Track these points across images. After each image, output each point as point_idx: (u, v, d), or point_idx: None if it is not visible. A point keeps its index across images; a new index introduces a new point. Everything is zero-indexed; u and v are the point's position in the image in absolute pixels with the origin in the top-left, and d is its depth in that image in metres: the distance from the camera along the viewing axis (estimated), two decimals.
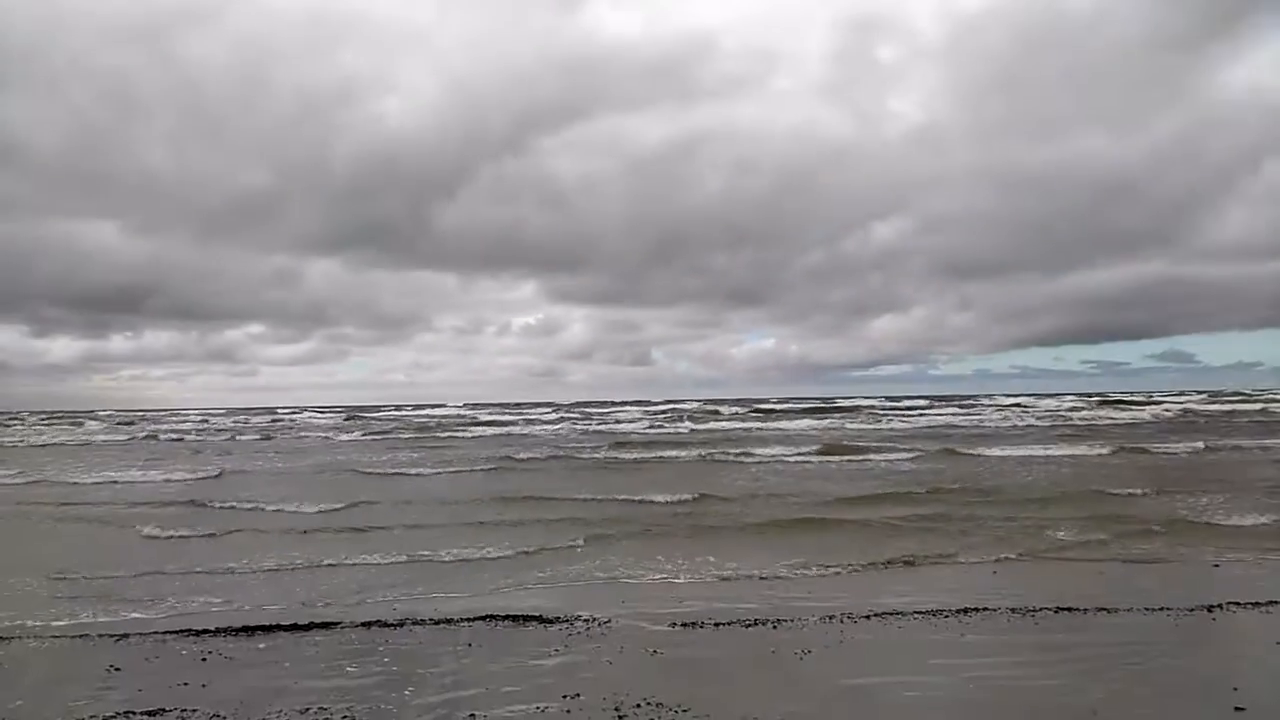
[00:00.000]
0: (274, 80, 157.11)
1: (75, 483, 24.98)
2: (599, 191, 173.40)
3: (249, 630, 8.98)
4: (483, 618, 9.36)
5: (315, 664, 7.93)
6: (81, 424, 73.07)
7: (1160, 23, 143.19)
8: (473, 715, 6.55)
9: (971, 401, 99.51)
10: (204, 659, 8.07)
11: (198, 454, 37.52)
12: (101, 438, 51.93)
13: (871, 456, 30.24)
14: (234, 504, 19.06)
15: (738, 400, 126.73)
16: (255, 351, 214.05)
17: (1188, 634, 8.62)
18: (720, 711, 6.52)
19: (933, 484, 21.37)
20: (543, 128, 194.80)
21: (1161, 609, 9.41)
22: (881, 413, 72.15)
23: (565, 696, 6.91)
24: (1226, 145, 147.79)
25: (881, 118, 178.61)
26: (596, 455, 32.87)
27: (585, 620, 9.23)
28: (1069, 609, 9.43)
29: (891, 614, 9.34)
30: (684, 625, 9.02)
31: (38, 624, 9.45)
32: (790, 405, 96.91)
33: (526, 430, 54.10)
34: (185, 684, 7.36)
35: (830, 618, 9.21)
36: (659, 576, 11.65)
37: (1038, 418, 60.47)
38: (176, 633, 8.94)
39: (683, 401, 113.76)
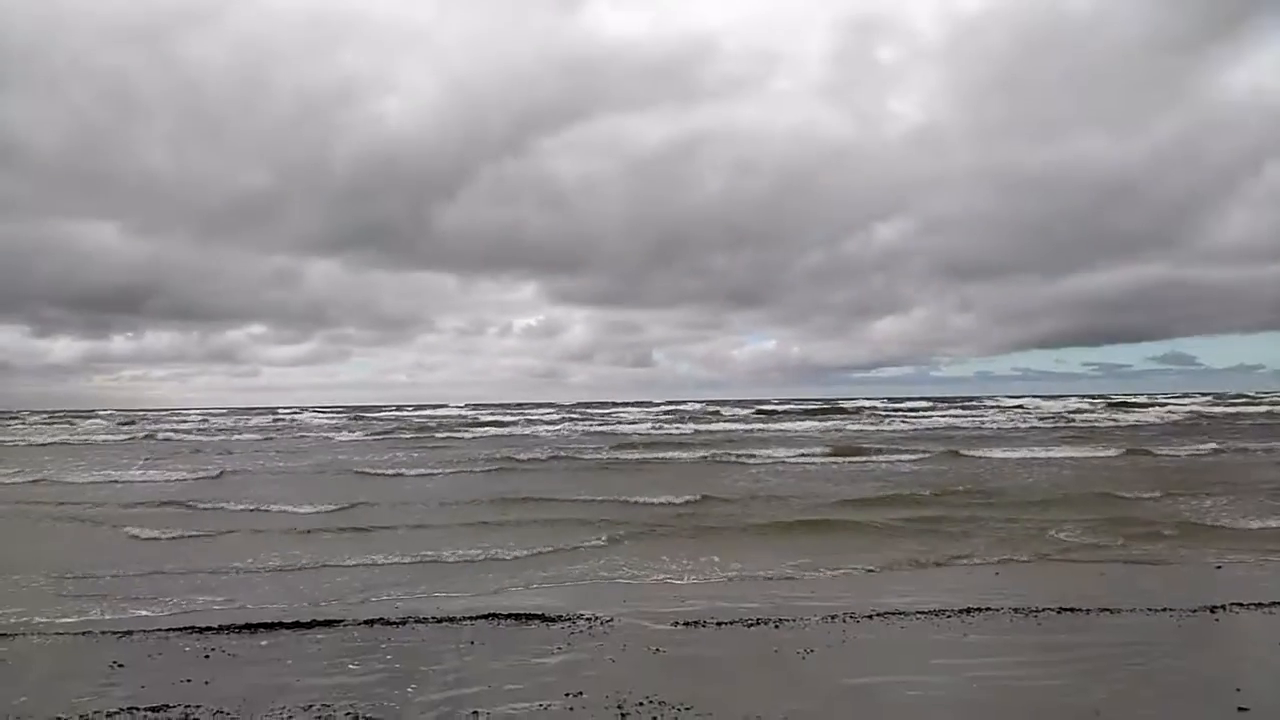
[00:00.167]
0: (274, 81, 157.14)
1: (75, 482, 25.02)
2: (599, 192, 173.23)
3: (252, 628, 8.99)
4: (485, 616, 9.37)
5: (318, 661, 7.94)
6: (81, 423, 73.18)
7: (1161, 24, 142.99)
8: (475, 713, 6.55)
9: (974, 403, 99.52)
10: (207, 656, 8.08)
11: (198, 454, 37.53)
12: (101, 437, 51.98)
13: (874, 458, 30.23)
14: (234, 504, 19.07)
15: (739, 401, 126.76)
16: (256, 352, 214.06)
17: (1191, 635, 8.61)
18: (723, 710, 6.51)
19: (936, 486, 21.37)
20: (543, 128, 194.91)
21: (1164, 610, 9.40)
22: (884, 414, 72.17)
23: (568, 694, 6.91)
24: (1228, 147, 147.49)
25: (882, 119, 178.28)
26: (599, 456, 32.87)
27: (588, 619, 9.23)
28: (1072, 609, 9.42)
29: (894, 614, 9.33)
30: (686, 624, 9.03)
31: (41, 620, 9.47)
32: (792, 407, 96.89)
33: (528, 431, 54.13)
34: (188, 681, 7.36)
35: (833, 617, 9.21)
36: (662, 576, 11.66)
37: (1041, 419, 60.48)
38: (180, 630, 8.95)
39: (684, 402, 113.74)
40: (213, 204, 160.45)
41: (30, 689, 7.26)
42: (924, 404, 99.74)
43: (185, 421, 76.54)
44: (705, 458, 31.30)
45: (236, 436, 51.54)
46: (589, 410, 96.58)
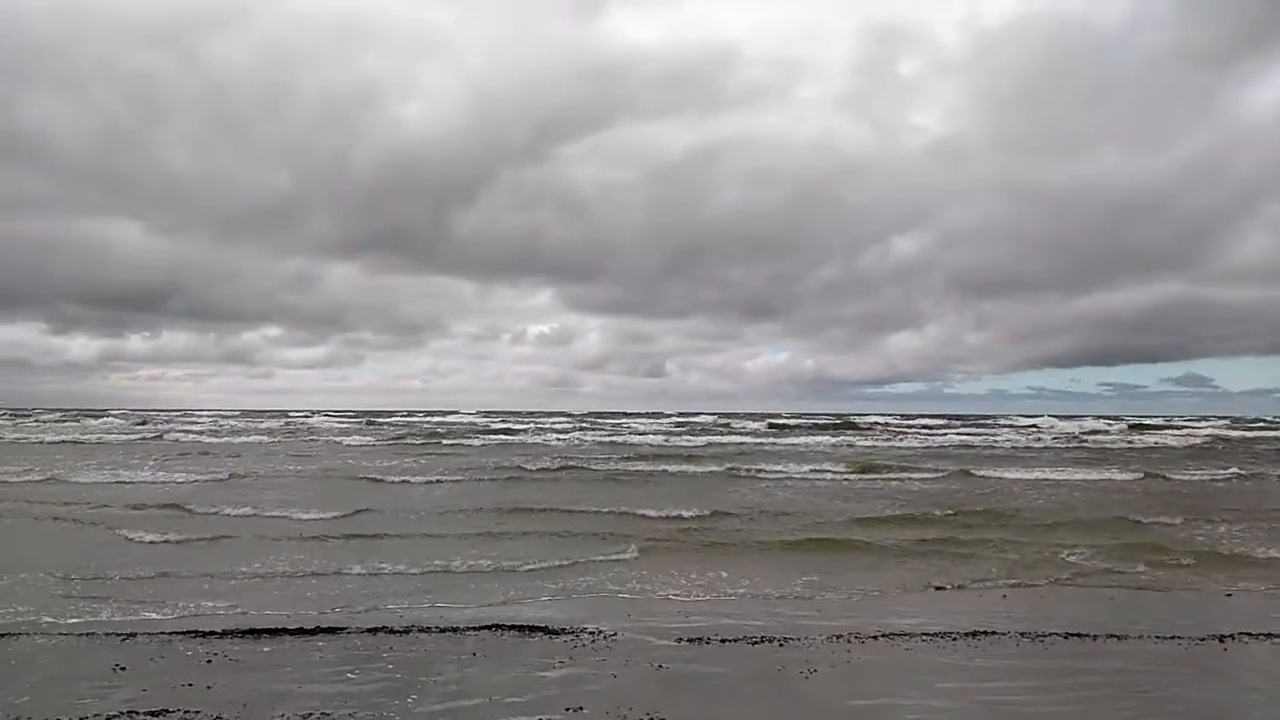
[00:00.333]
0: (297, 84, 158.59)
1: (83, 482, 25.08)
2: (618, 200, 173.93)
3: (255, 633, 8.99)
4: (488, 627, 9.35)
5: (319, 669, 7.93)
6: (94, 422, 73.59)
7: (1185, 40, 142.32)
8: None
9: (990, 421, 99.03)
10: (209, 661, 8.08)
11: (207, 456, 37.67)
12: (113, 437, 52.23)
13: (886, 476, 30.08)
14: (240, 508, 19.03)
15: (751, 414, 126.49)
16: (272, 354, 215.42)
17: (1199, 664, 8.51)
18: None
19: (947, 505, 21.25)
20: (563, 135, 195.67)
21: (1173, 638, 9.30)
22: (896, 431, 71.90)
23: (568, 709, 6.88)
24: (1252, 165, 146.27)
25: (902, 130, 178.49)
26: (608, 467, 32.81)
27: (591, 633, 9.20)
28: (1080, 635, 9.33)
29: (900, 635, 9.27)
30: (690, 640, 8.98)
31: (44, 621, 9.49)
32: (805, 421, 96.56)
33: (539, 439, 54.16)
34: (190, 685, 7.37)
35: (838, 637, 9.15)
36: (667, 591, 11.60)
37: (1055, 439, 60.16)
38: (183, 634, 8.96)
39: (696, 414, 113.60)
40: (234, 206, 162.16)
41: (31, 690, 7.27)
42: (937, 421, 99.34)
43: (197, 423, 76.86)
44: (716, 471, 31.20)
45: (247, 439, 51.70)
46: (600, 420, 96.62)
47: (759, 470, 30.92)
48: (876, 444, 52.35)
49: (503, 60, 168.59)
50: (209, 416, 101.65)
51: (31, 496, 21.23)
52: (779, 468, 31.84)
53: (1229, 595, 11.82)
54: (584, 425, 79.48)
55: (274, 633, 9.03)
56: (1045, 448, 50.65)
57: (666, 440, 54.43)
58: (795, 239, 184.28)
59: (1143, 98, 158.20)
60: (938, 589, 12.02)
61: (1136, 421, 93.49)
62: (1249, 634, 9.45)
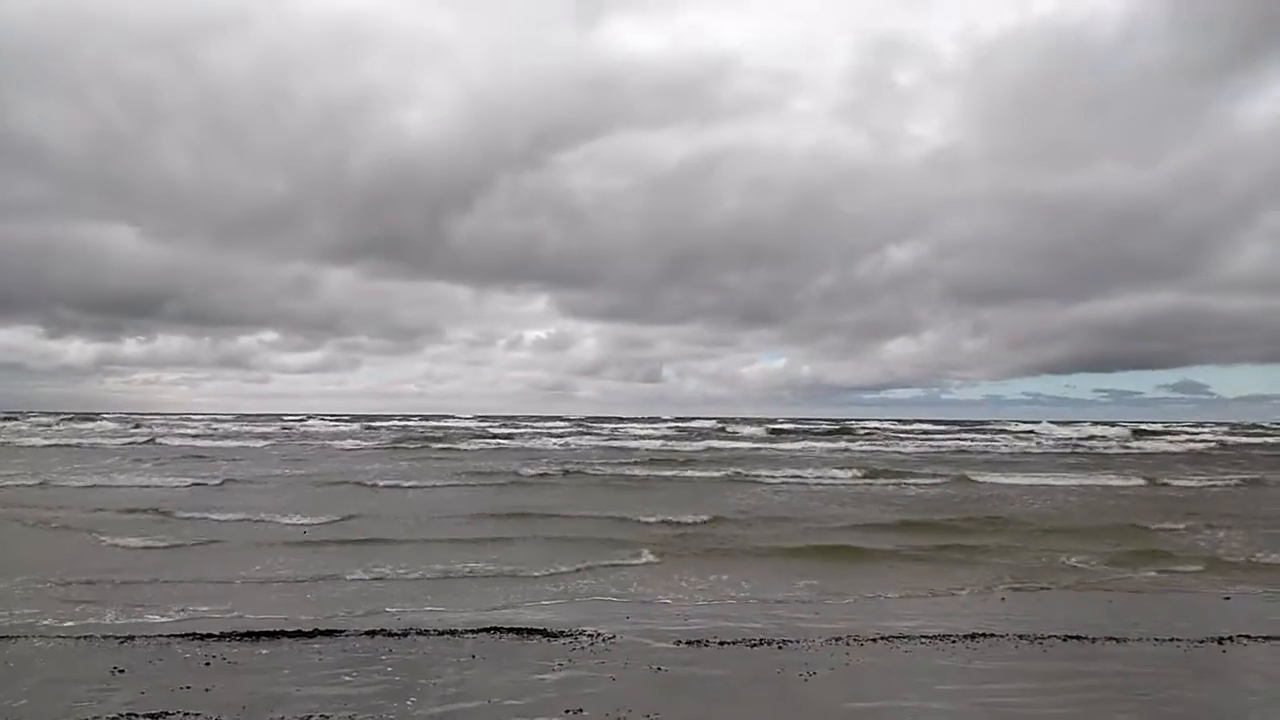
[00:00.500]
0: (295, 90, 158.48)
1: (76, 486, 25.06)
2: (615, 207, 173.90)
3: (253, 636, 8.98)
4: (487, 630, 9.34)
5: (318, 671, 7.92)
6: (88, 426, 73.45)
7: (1181, 53, 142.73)
8: None
9: (991, 426, 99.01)
10: (207, 663, 8.06)
11: (202, 460, 37.61)
12: (108, 441, 52.14)
13: (884, 481, 30.09)
14: (235, 513, 18.98)
15: (748, 419, 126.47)
16: (268, 359, 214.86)
17: (1198, 666, 8.51)
18: None
19: (945, 510, 21.27)
20: (561, 142, 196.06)
21: (1172, 640, 9.31)
22: (894, 436, 71.89)
23: (567, 711, 6.88)
24: (1246, 177, 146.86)
25: (899, 141, 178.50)
26: (608, 472, 32.78)
27: (590, 635, 9.19)
28: (1078, 638, 9.34)
29: (899, 638, 9.26)
30: (689, 643, 8.97)
31: (43, 624, 9.49)
32: (801, 426, 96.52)
33: (536, 444, 54.11)
34: (188, 688, 7.35)
35: (836, 639, 9.15)
36: (666, 595, 11.60)
37: (1054, 444, 60.19)
38: (181, 636, 8.95)
39: (693, 419, 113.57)
40: (231, 211, 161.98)
41: (30, 692, 7.26)
42: (934, 427, 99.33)
43: (193, 427, 76.78)
44: (716, 476, 31.17)
45: (242, 443, 51.58)
46: (597, 425, 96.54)
47: (758, 475, 30.90)
48: (875, 449, 52.34)
49: (501, 68, 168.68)
50: (204, 420, 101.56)
51: (24, 501, 21.17)
52: (778, 473, 31.83)
53: (1227, 598, 11.83)
54: (581, 430, 79.44)
55: (272, 635, 9.02)
56: (1044, 453, 50.68)
57: (665, 445, 54.40)
58: (793, 247, 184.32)
59: (1138, 109, 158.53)
60: (938, 592, 12.02)
61: (1136, 427, 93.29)
62: (1247, 636, 9.46)
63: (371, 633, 9.20)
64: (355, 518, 18.57)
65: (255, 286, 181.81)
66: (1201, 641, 9.26)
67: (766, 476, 30.42)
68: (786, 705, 7.23)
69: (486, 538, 16.01)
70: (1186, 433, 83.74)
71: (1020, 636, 9.36)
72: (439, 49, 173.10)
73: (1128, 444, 61.85)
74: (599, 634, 9.25)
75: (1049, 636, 9.36)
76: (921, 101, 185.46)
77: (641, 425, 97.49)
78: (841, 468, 34.00)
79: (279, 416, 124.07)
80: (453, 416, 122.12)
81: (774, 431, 78.76)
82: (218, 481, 26.94)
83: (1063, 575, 13.25)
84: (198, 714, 6.75)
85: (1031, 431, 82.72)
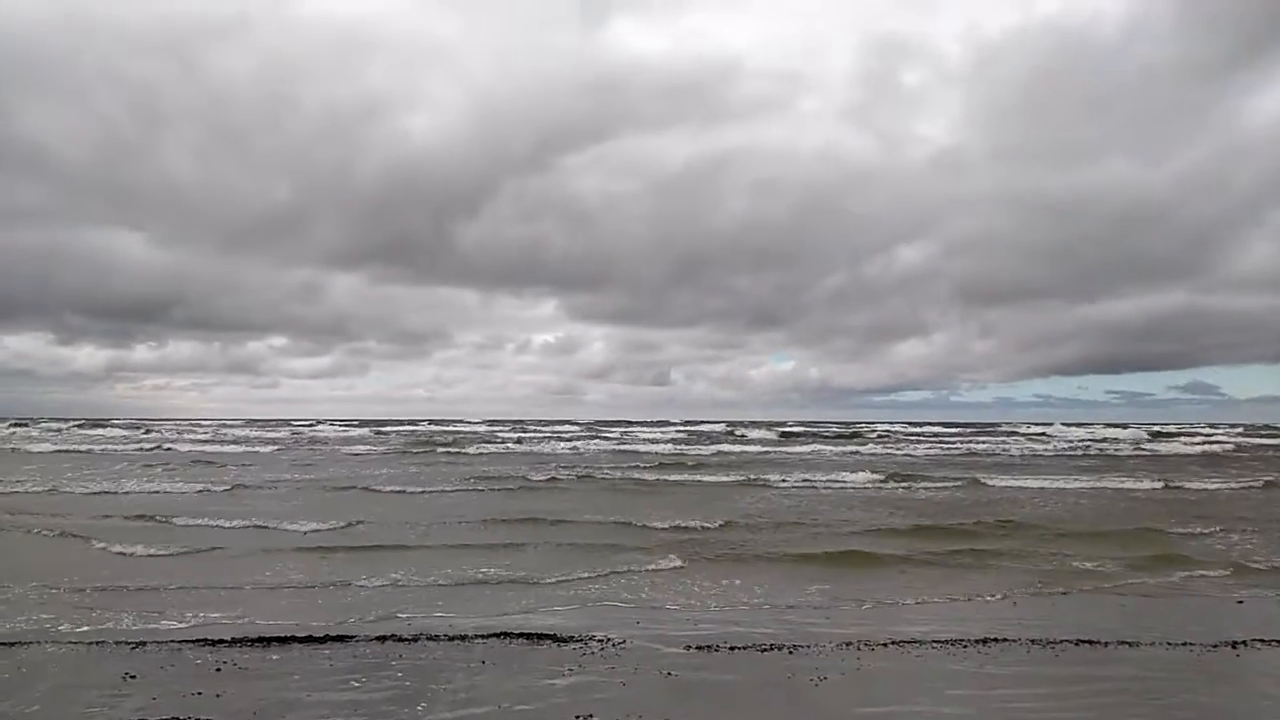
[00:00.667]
0: (300, 95, 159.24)
1: (84, 493, 25.11)
2: (622, 211, 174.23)
3: (264, 641, 9.00)
4: (497, 635, 9.34)
5: (329, 677, 7.93)
6: (98, 432, 73.79)
7: (1187, 51, 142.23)
8: None
9: (996, 429, 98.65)
10: (218, 669, 8.08)
11: (211, 466, 37.73)
12: (117, 447, 52.33)
13: (896, 485, 30.00)
14: (244, 519, 18.98)
15: (757, 423, 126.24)
16: (277, 364, 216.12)
17: (1212, 670, 8.46)
18: None
19: (957, 514, 21.20)
20: (567, 146, 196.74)
21: (1185, 644, 9.25)
22: (905, 439, 71.70)
23: (578, 717, 6.87)
24: (1253, 175, 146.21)
25: (906, 141, 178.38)
26: (618, 476, 32.77)
27: (600, 640, 9.18)
28: (1090, 642, 9.29)
29: (910, 643, 9.23)
30: (699, 648, 8.96)
31: (54, 630, 9.52)
32: (811, 429, 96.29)
33: (545, 449, 54.12)
34: (199, 693, 7.37)
35: (848, 644, 9.12)
36: (676, 599, 11.58)
37: (1066, 445, 59.94)
38: (192, 642, 8.97)
39: (702, 422, 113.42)
40: (237, 216, 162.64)
41: (42, 698, 7.29)
42: (944, 429, 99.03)
43: (202, 432, 77.07)
44: (726, 481, 31.12)
45: (251, 449, 51.69)
46: (607, 428, 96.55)
47: (769, 479, 30.85)
48: (885, 452, 52.22)
49: (506, 71, 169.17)
50: (214, 426, 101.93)
51: (34, 508, 21.21)
52: (789, 477, 31.76)
53: (1240, 602, 11.75)
54: (590, 434, 79.46)
55: (283, 641, 9.04)
56: (1056, 456, 50.46)
57: (675, 449, 54.37)
58: (800, 249, 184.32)
59: (1143, 108, 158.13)
60: (950, 596, 11.97)
61: (1152, 429, 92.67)
62: (1262, 640, 9.40)
63: (382, 638, 9.21)
64: (365, 523, 18.59)
65: (263, 292, 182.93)
66: (1215, 646, 9.21)
67: (777, 480, 30.36)
68: (797, 710, 7.21)
69: (497, 543, 16.01)
70: (1202, 434, 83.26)
71: (1032, 641, 9.32)
72: (443, 53, 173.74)
73: (1142, 446, 61.52)
74: (609, 639, 9.25)
75: (1061, 641, 9.31)
76: (927, 102, 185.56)
77: (651, 429, 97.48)
78: (852, 471, 33.90)
79: (288, 422, 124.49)
80: (462, 421, 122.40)
81: (784, 435, 78.67)
82: (227, 487, 26.99)
83: (1076, 579, 13.17)
84: (209, 719, 6.77)
85: (1043, 434, 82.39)
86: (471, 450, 51.15)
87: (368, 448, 53.78)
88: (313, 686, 7.64)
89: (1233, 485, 30.32)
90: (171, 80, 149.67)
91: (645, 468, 37.12)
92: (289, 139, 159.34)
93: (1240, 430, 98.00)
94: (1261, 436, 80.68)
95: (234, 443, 58.02)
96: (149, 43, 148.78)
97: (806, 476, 31.90)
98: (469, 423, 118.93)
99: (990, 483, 30.27)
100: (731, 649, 8.94)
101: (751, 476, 32.03)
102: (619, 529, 18.01)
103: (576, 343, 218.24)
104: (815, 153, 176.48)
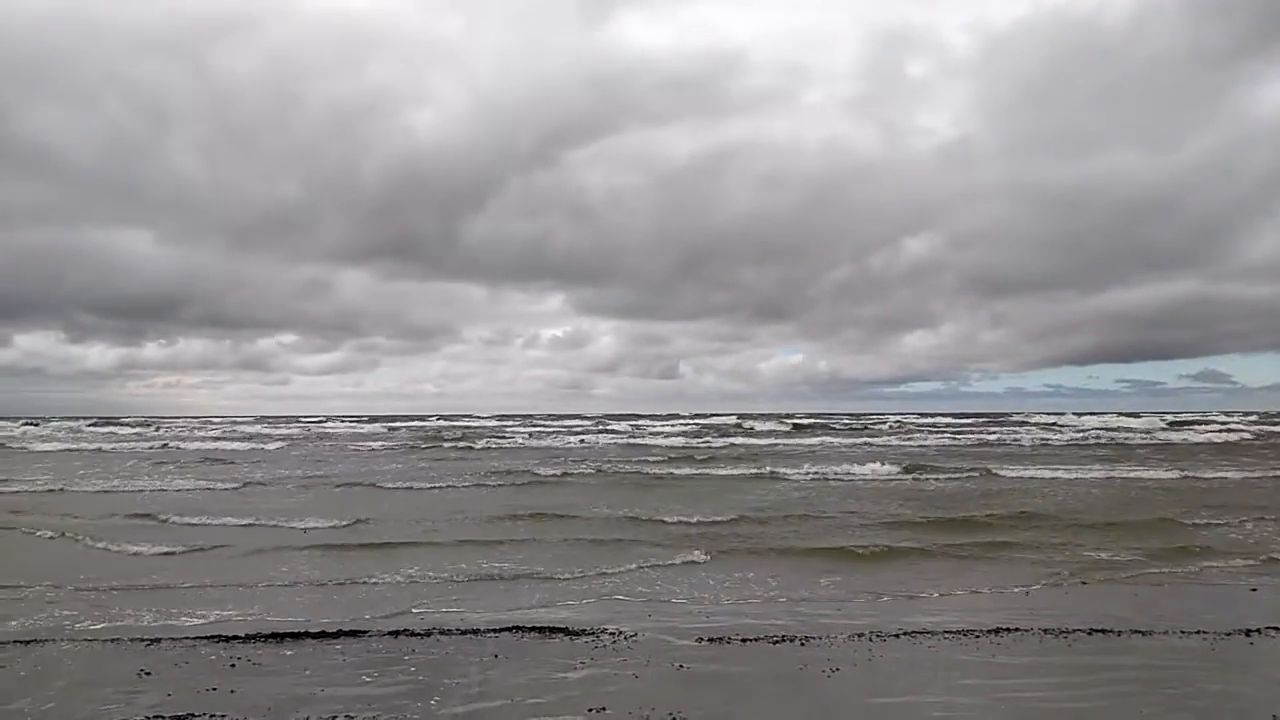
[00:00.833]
0: (306, 93, 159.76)
1: (94, 491, 25.25)
2: (627, 205, 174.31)
3: (277, 637, 9.04)
4: (509, 629, 9.36)
5: (342, 672, 7.96)
6: (109, 430, 74.15)
7: (1195, 40, 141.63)
8: None
9: (1008, 419, 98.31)
10: (232, 665, 8.13)
11: (222, 463, 37.88)
12: (128, 445, 52.58)
13: (908, 476, 29.93)
14: (257, 516, 19.03)
15: (766, 415, 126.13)
16: (287, 360, 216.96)
17: (1225, 658, 8.43)
18: None
19: (970, 505, 21.15)
20: (571, 141, 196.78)
21: (1198, 632, 9.22)
22: (916, 430, 71.56)
23: (591, 710, 6.89)
24: (1263, 163, 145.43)
25: (912, 133, 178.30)
26: (628, 470, 32.78)
27: (611, 634, 9.20)
28: (1103, 631, 9.27)
29: (922, 633, 9.22)
30: (711, 640, 8.97)
31: (71, 628, 9.58)
32: (821, 421, 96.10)
33: (557, 443, 54.20)
34: (214, 689, 7.41)
35: (859, 636, 9.12)
36: (688, 592, 11.59)
37: (1080, 435, 59.70)
38: (207, 638, 9.02)
39: (711, 415, 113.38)
40: (245, 214, 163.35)
41: (58, 695, 7.34)
42: (955, 420, 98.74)
43: (213, 430, 77.35)
44: (737, 474, 31.10)
45: (263, 445, 51.90)
46: (616, 422, 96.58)
47: (780, 472, 30.83)
48: (896, 443, 52.13)
49: (511, 68, 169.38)
50: (225, 423, 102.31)
51: (44, 507, 21.32)
52: (799, 469, 31.74)
53: (1254, 590, 11.70)
54: (600, 428, 79.52)
55: (296, 637, 9.08)
56: (1068, 445, 50.29)
57: (685, 442, 54.38)
58: (806, 242, 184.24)
59: (1152, 98, 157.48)
60: (962, 587, 11.95)
61: (1165, 418, 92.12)
62: (1275, 628, 9.36)
63: (395, 633, 9.24)
64: (376, 519, 18.63)
65: (272, 289, 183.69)
66: (1228, 634, 9.17)
67: (788, 473, 30.35)
68: (809, 701, 7.21)
69: (508, 538, 16.04)
70: (1216, 423, 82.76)
71: (1045, 631, 9.29)
72: (447, 50, 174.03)
73: (1156, 435, 61.22)
74: (621, 632, 9.26)
75: (1074, 630, 9.29)
76: (933, 93, 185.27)
77: (660, 422, 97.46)
78: (863, 463, 33.83)
79: (298, 418, 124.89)
80: (471, 415, 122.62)
81: (794, 427, 78.59)
82: (238, 485, 27.10)
83: (1090, 570, 13.13)
84: (223, 715, 6.80)
85: (1056, 424, 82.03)
86: (481, 445, 51.24)
87: (378, 443, 53.91)
88: (326, 681, 7.67)
89: (1249, 474, 30.13)
90: (177, 79, 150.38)
91: (655, 461, 37.13)
92: (295, 136, 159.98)
93: (1255, 418, 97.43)
94: (1277, 424, 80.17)
95: (244, 440, 58.25)
96: (155, 42, 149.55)
97: (817, 469, 31.85)
98: (478, 417, 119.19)
99: (1002, 473, 30.20)
100: (744, 641, 8.94)
101: (762, 469, 32.02)
102: (629, 523, 18.02)
103: (584, 337, 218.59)
104: (821, 145, 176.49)
